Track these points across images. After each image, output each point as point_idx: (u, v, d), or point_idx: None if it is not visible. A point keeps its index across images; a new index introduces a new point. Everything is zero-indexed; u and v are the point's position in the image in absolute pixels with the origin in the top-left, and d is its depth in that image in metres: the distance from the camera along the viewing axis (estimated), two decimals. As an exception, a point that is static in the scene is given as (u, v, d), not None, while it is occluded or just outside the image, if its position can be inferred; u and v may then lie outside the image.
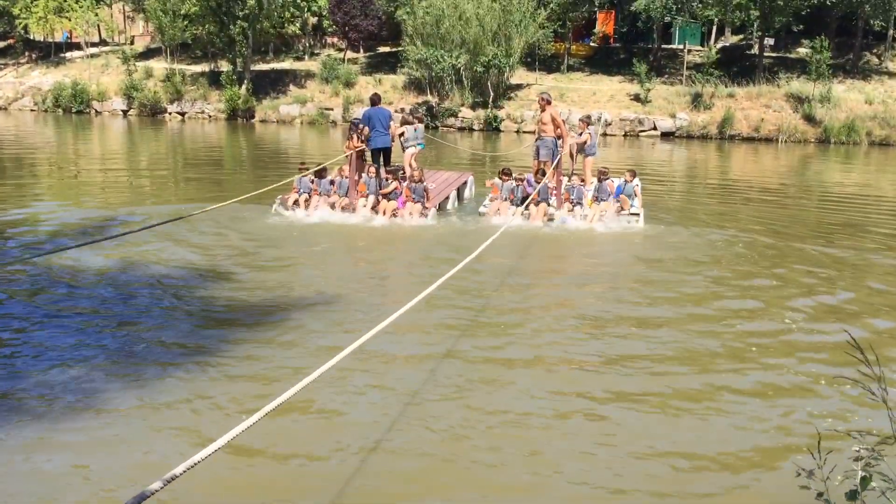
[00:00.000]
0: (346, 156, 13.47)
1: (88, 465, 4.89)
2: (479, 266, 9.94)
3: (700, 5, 36.21)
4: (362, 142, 13.49)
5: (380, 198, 13.06)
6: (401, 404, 5.79)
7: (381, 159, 13.80)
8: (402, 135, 14.23)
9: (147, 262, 9.79)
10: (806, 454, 4.34)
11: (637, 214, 13.04)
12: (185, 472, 2.80)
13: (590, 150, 14.27)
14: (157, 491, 2.66)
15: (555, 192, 13.31)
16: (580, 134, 14.28)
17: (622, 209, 13.01)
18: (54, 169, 19.34)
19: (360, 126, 13.62)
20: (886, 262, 10.80)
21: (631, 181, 13.37)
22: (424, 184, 13.15)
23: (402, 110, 28.32)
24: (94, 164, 20.62)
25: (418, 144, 14.29)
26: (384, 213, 12.85)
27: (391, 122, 13.87)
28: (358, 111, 33.63)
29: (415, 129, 14.31)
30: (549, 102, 13.56)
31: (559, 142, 13.33)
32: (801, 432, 5.42)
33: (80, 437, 5.17)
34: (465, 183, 14.80)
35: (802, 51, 36.73)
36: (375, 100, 14.05)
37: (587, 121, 14.59)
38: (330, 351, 5.34)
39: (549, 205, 13.17)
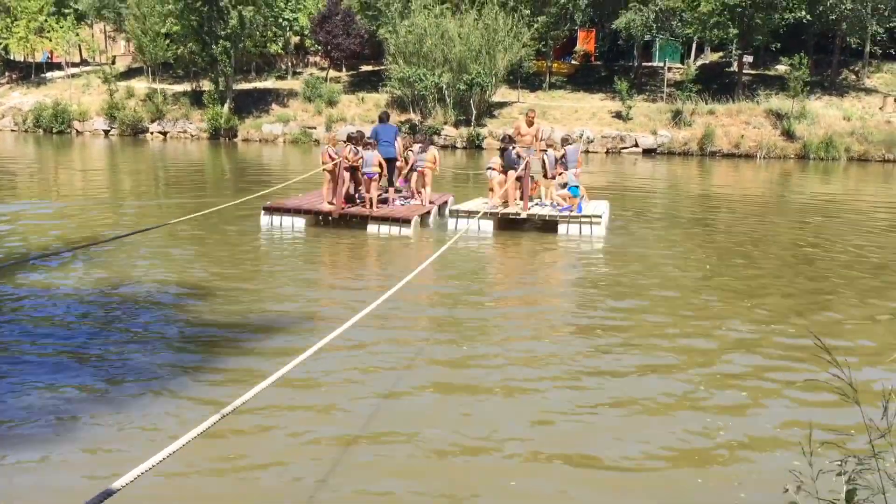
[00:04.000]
0: (332, 165, 13.41)
1: (56, 483, 4.78)
2: (440, 276, 9.90)
3: (679, 24, 36.66)
4: (358, 159, 13.63)
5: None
6: (364, 419, 5.72)
7: (385, 169, 14.08)
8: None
9: (122, 276, 9.66)
10: (790, 464, 4.31)
11: (599, 216, 13.26)
12: (134, 479, 2.73)
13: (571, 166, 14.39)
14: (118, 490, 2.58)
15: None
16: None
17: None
18: (34, 185, 19.15)
19: (365, 140, 13.87)
20: (856, 269, 10.86)
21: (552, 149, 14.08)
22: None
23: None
24: (75, 181, 20.44)
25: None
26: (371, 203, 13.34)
27: (397, 138, 14.31)
28: (342, 129, 33.71)
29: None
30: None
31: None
32: (785, 441, 5.39)
33: (49, 453, 5.06)
34: (446, 202, 14.94)
35: (781, 68, 37.21)
36: (384, 117, 14.61)
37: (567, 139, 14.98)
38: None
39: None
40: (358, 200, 14.15)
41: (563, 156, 14.08)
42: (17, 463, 5.00)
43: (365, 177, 13.46)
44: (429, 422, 5.64)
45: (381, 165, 13.37)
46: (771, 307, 8.96)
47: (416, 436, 5.40)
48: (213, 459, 5.01)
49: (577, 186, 13.60)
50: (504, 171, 13.77)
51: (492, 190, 13.81)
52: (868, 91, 37.04)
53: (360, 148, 13.49)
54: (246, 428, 5.42)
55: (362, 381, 6.34)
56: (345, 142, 13.83)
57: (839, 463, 2.87)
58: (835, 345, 7.30)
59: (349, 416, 5.67)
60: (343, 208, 13.39)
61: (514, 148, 13.79)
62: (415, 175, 14.51)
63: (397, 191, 14.54)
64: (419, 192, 14.40)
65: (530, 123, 14.83)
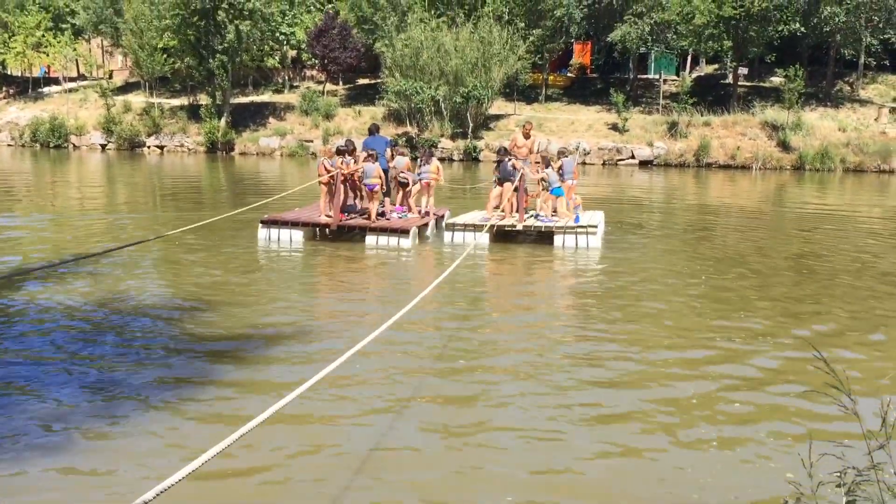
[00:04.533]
0: (328, 177, 13.37)
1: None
2: (442, 297, 9.87)
3: (674, 36, 36.85)
4: (356, 169, 13.70)
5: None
6: (369, 442, 5.66)
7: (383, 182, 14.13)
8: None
9: (114, 292, 9.62)
10: (790, 476, 4.30)
11: (595, 226, 13.22)
12: (156, 496, 2.70)
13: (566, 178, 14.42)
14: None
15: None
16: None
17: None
18: (29, 199, 19.13)
19: (359, 153, 13.95)
20: (859, 280, 10.86)
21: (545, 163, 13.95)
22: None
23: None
24: (72, 195, 20.42)
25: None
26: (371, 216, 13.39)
27: (387, 149, 14.33)
28: (339, 142, 33.79)
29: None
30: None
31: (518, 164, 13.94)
32: (784, 453, 5.37)
33: (50, 473, 5.02)
34: (444, 216, 14.92)
35: (776, 79, 37.40)
36: (374, 129, 14.87)
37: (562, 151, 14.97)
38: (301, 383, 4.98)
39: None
40: (357, 212, 14.17)
41: (560, 167, 14.09)
42: (17, 483, 4.95)
43: (366, 188, 13.46)
44: (427, 464, 5.32)
45: (380, 177, 13.38)
46: (771, 319, 8.95)
47: (414, 482, 5.07)
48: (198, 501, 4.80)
49: (559, 187, 13.64)
50: (500, 182, 13.80)
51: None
52: (863, 102, 37.22)
53: (351, 158, 13.56)
54: (231, 468, 5.13)
55: (356, 419, 5.97)
56: (337, 154, 13.81)
57: (838, 474, 2.86)
58: (835, 356, 7.30)
59: (341, 459, 5.33)
60: (341, 220, 13.38)
61: (509, 160, 13.82)
62: (416, 186, 14.42)
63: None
64: (417, 207, 14.40)
65: (527, 135, 14.86)
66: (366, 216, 13.66)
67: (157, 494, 2.72)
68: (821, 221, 17.52)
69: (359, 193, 14.37)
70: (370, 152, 13.57)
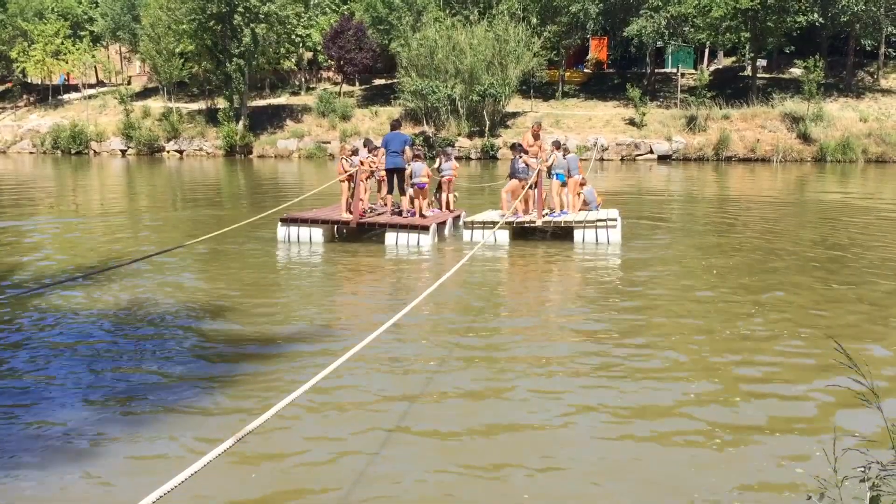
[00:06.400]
0: (346, 176, 13.49)
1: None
2: (458, 290, 9.85)
3: (691, 29, 36.57)
4: (373, 164, 13.86)
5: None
6: (375, 444, 5.65)
7: (395, 180, 14.10)
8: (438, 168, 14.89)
9: (134, 295, 9.69)
10: (814, 471, 4.26)
11: (615, 219, 13.18)
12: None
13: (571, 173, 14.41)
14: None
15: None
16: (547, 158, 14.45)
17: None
18: (52, 204, 19.34)
19: (378, 149, 14.16)
20: (883, 272, 10.72)
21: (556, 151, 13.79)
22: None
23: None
24: (93, 199, 20.62)
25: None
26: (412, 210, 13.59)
27: (406, 147, 14.23)
28: (356, 142, 33.88)
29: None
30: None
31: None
32: (808, 448, 5.31)
33: (67, 477, 5.06)
34: (459, 217, 14.91)
35: (795, 71, 37.01)
36: (395, 125, 14.74)
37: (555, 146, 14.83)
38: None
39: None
40: (375, 209, 14.28)
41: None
42: (39, 482, 5.00)
43: (416, 187, 13.47)
44: (435, 464, 5.20)
45: (429, 175, 13.46)
46: (796, 314, 8.84)
47: (423, 481, 4.95)
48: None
49: (561, 173, 13.66)
50: (518, 181, 13.77)
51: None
52: (885, 92, 36.76)
53: (371, 156, 13.76)
54: (227, 472, 5.01)
55: (363, 417, 5.90)
56: (351, 155, 13.88)
57: (863, 469, 2.83)
58: (861, 352, 7.21)
59: (345, 462, 5.21)
60: (360, 217, 13.39)
61: (520, 157, 13.79)
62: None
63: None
64: (433, 208, 14.46)
65: (536, 136, 14.83)
66: (383, 214, 13.82)
67: (158, 499, 2.73)
68: (845, 213, 17.32)
69: (383, 190, 14.49)
70: (417, 150, 13.84)
